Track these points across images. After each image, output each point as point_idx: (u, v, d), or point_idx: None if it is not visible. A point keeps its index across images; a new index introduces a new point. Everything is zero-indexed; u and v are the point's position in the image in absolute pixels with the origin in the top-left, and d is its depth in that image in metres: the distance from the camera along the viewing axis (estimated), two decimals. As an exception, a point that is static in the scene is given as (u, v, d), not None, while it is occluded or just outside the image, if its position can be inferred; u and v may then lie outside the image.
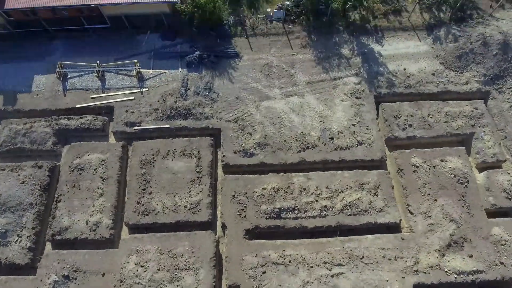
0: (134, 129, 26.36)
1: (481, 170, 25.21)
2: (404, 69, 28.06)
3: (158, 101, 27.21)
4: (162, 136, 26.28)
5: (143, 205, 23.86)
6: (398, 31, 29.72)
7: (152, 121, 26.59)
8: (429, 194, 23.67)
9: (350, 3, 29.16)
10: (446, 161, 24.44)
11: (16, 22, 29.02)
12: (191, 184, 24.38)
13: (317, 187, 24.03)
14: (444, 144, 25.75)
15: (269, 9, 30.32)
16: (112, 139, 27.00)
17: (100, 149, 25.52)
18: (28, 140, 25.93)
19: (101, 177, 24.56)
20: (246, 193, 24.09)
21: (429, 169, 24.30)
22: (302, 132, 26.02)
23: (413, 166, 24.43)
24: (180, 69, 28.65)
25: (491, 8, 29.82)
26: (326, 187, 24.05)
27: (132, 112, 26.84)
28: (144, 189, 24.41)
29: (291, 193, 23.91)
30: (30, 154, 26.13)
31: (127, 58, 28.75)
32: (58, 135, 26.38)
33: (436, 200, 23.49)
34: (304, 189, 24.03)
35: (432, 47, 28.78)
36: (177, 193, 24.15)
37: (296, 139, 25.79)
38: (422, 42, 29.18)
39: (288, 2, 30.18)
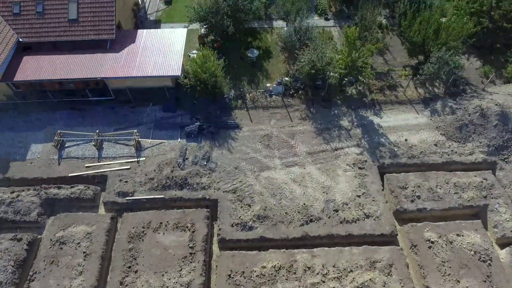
0: (126, 200, 24.92)
1: (501, 245, 23.02)
2: (406, 140, 27.78)
3: (154, 170, 26.32)
4: (156, 207, 24.72)
5: (126, 286, 21.08)
6: (395, 104, 30.31)
7: (146, 191, 25.29)
8: (449, 274, 21.06)
9: (346, 79, 30.45)
10: (463, 235, 22.39)
11: (22, 93, 29.86)
12: (183, 262, 21.96)
13: (323, 266, 21.58)
14: (457, 217, 23.99)
15: (268, 84, 31.48)
16: (102, 210, 25.34)
17: (87, 221, 23.70)
18: (12, 210, 24.30)
19: (84, 253, 22.25)
20: (243, 272, 21.53)
21: (446, 245, 22.12)
22: (304, 204, 24.50)
23: (427, 242, 22.29)
24: (179, 139, 28.44)
25: (483, 83, 30.95)
26: (334, 266, 21.60)
27: (126, 182, 25.71)
28: (129, 267, 21.91)
29: (294, 273, 21.38)
30: (12, 226, 24.21)
31: (128, 128, 28.79)
32: (45, 205, 24.80)
33: (458, 281, 20.79)
34: (309, 267, 21.56)
35: (431, 119, 28.98)
36: (166, 272, 21.58)
37: (299, 211, 24.14)
38: (420, 114, 29.52)
39: (287, 78, 31.50)
